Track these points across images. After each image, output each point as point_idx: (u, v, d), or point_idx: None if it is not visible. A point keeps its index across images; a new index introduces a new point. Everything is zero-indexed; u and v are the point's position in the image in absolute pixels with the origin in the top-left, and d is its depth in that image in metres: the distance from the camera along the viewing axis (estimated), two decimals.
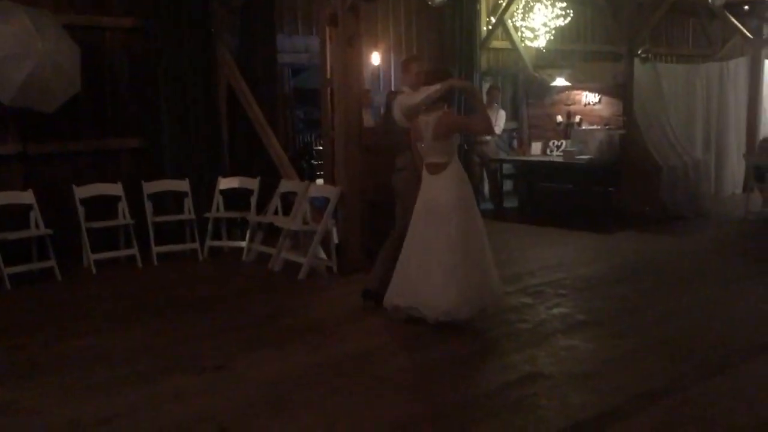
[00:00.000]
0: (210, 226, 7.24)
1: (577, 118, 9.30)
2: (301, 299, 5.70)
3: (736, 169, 10.84)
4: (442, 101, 4.79)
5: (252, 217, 7.12)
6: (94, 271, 6.58)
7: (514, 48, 10.34)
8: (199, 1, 7.44)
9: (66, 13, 6.83)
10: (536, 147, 9.45)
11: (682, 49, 13.27)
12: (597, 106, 9.18)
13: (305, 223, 6.62)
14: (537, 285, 5.89)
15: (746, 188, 9.74)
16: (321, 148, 6.99)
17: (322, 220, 6.39)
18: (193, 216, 7.17)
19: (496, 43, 10.58)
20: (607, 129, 8.80)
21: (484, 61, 10.47)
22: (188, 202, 7.22)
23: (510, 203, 9.88)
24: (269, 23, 8.15)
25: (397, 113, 5.06)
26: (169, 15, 7.29)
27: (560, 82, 9.80)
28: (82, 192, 6.71)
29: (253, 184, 7.32)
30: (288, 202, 7.09)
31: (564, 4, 10.16)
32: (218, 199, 7.36)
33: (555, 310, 5.22)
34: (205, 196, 7.39)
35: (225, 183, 7.42)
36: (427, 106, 4.76)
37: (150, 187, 7.08)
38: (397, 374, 4.03)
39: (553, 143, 9.28)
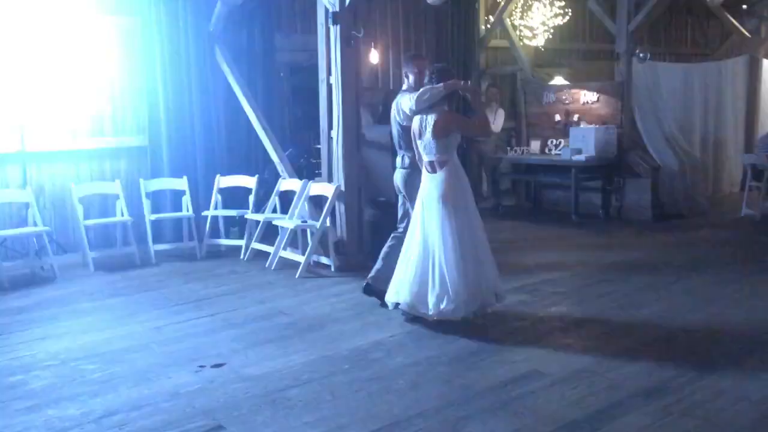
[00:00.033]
0: (208, 225, 7.24)
1: (576, 117, 9.31)
2: (299, 297, 5.70)
3: (733, 167, 10.87)
4: (445, 100, 4.81)
5: (250, 215, 7.12)
6: (92, 269, 6.58)
7: (513, 47, 10.34)
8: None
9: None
10: (535, 146, 9.47)
11: (681, 48, 13.29)
12: (595, 105, 9.19)
13: (303, 221, 6.62)
14: (535, 283, 5.90)
15: (744, 187, 9.76)
16: (319, 146, 6.97)
17: (320, 219, 6.39)
18: (191, 214, 7.17)
19: (494, 42, 10.59)
20: (606, 128, 8.81)
21: (482, 60, 10.48)
22: (186, 200, 7.23)
23: (508, 202, 9.89)
24: (268, 22, 8.15)
25: (402, 111, 5.05)
26: (168, 12, 7.29)
27: (559, 81, 9.80)
28: (80, 190, 6.71)
29: (251, 182, 7.32)
30: (286, 201, 7.10)
31: (562, 3, 10.17)
32: (216, 197, 7.37)
33: (552, 309, 5.23)
34: (203, 194, 7.39)
35: (223, 181, 7.43)
36: (429, 105, 4.77)
37: (148, 185, 7.08)
38: (394, 372, 4.04)
39: (552, 142, 9.30)
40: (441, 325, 4.69)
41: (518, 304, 5.30)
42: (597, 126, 8.93)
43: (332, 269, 6.40)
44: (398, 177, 5.28)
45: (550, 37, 10.34)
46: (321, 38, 6.55)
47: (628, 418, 3.40)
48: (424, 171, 4.86)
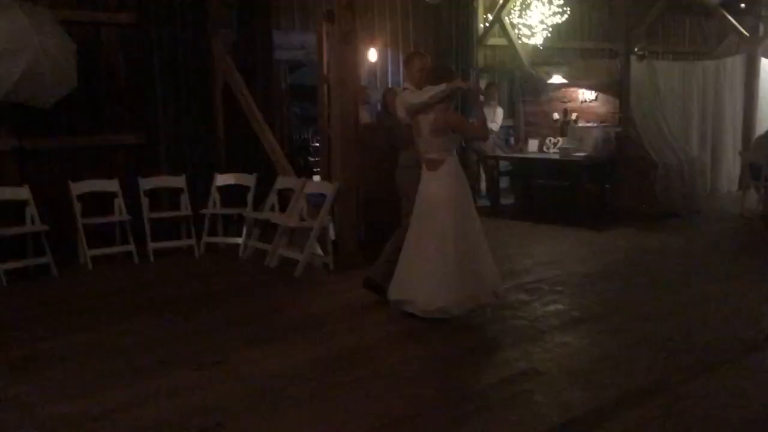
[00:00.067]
0: (206, 223, 7.24)
1: (574, 116, 9.32)
2: (298, 295, 5.71)
3: (731, 166, 10.88)
4: (445, 99, 4.81)
5: (248, 213, 7.12)
6: (90, 267, 6.57)
7: (511, 45, 10.34)
8: None
9: (62, 8, 6.81)
10: (533, 144, 9.47)
11: (679, 47, 13.29)
12: (593, 104, 9.20)
13: (302, 219, 6.62)
14: (533, 282, 5.90)
15: (742, 186, 9.77)
16: (318, 144, 6.98)
17: (318, 217, 6.39)
18: (189, 212, 7.17)
19: (493, 40, 10.59)
20: (604, 126, 8.81)
21: (481, 58, 10.48)
22: (185, 199, 7.22)
23: (506, 200, 9.89)
24: (265, 19, 8.14)
25: (400, 109, 5.05)
26: (165, 10, 7.28)
27: (557, 79, 9.81)
28: (78, 188, 6.70)
29: (249, 180, 7.32)
30: (285, 199, 7.10)
31: (561, 2, 10.17)
32: (215, 195, 7.36)
33: (550, 307, 5.23)
34: (201, 192, 7.39)
35: (221, 179, 7.42)
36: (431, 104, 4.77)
37: (146, 183, 7.08)
38: (393, 370, 4.04)
39: (550, 140, 9.30)
40: (439, 323, 4.70)
41: (516, 303, 5.30)
42: (595, 124, 8.93)
43: (331, 267, 6.40)
44: (400, 175, 5.29)
45: (549, 35, 10.34)
46: (319, 36, 6.55)
47: (625, 416, 3.41)
48: (424, 168, 4.87)
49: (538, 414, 3.44)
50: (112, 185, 6.92)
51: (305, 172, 9.52)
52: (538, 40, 10.31)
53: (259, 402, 3.63)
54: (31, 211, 6.38)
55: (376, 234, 6.30)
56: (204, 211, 7.25)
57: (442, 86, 4.71)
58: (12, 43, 5.88)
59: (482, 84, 10.10)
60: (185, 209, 7.18)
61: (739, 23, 11.36)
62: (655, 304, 5.27)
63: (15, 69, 5.90)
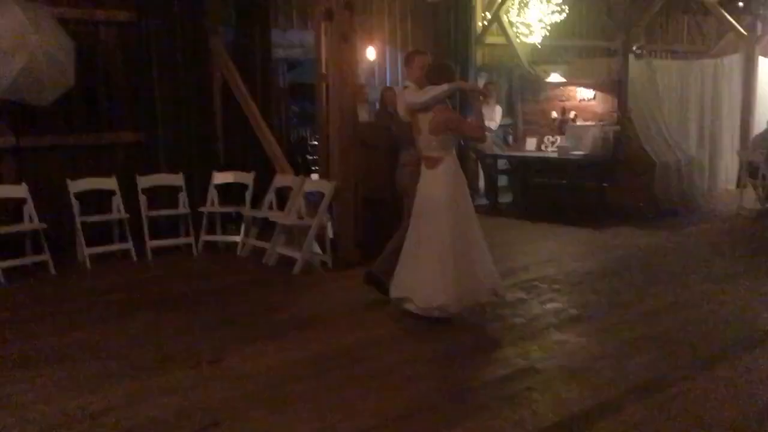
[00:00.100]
0: (204, 221, 7.23)
1: (572, 114, 9.32)
2: (296, 294, 5.71)
3: (729, 165, 10.89)
4: (445, 99, 4.81)
5: (247, 211, 7.12)
6: (88, 265, 6.57)
7: (510, 44, 10.34)
8: None
9: (60, 6, 6.81)
10: (531, 143, 9.46)
11: (677, 46, 13.31)
12: (592, 102, 9.20)
13: (300, 217, 6.62)
14: (531, 280, 5.91)
15: (739, 184, 9.78)
16: (316, 142, 6.97)
17: (316, 215, 6.39)
18: (187, 210, 7.16)
19: (491, 39, 10.58)
20: (602, 125, 8.81)
21: (479, 56, 10.46)
22: (183, 197, 7.22)
23: (505, 198, 9.90)
24: (264, 17, 8.13)
25: (400, 108, 5.05)
26: (163, 9, 7.27)
27: (555, 78, 9.81)
28: (76, 186, 6.69)
29: (247, 178, 7.31)
30: (283, 197, 7.09)
31: (559, 0, 10.17)
32: (213, 193, 7.35)
33: (549, 305, 5.24)
34: (199, 190, 7.39)
35: (220, 177, 7.41)
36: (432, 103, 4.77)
37: (144, 181, 7.07)
38: (391, 368, 4.05)
39: (548, 139, 9.29)
40: (437, 322, 4.71)
41: (514, 301, 5.31)
42: (593, 123, 8.94)
43: (329, 265, 6.40)
44: (400, 174, 5.29)
45: (547, 34, 10.34)
46: (317, 34, 6.55)
47: (624, 414, 3.42)
48: (423, 167, 4.88)
49: (537, 412, 3.45)
50: (110, 183, 6.92)
51: (303, 170, 9.51)
52: (536, 38, 10.31)
53: (257, 400, 3.63)
54: (29, 209, 6.38)
55: (375, 232, 6.31)
56: (202, 209, 7.24)
57: (444, 86, 4.71)
58: (10, 40, 5.87)
59: (481, 82, 10.10)
60: (183, 207, 7.18)
61: (736, 22, 11.37)
62: (652, 303, 5.28)
63: (13, 67, 5.91)
